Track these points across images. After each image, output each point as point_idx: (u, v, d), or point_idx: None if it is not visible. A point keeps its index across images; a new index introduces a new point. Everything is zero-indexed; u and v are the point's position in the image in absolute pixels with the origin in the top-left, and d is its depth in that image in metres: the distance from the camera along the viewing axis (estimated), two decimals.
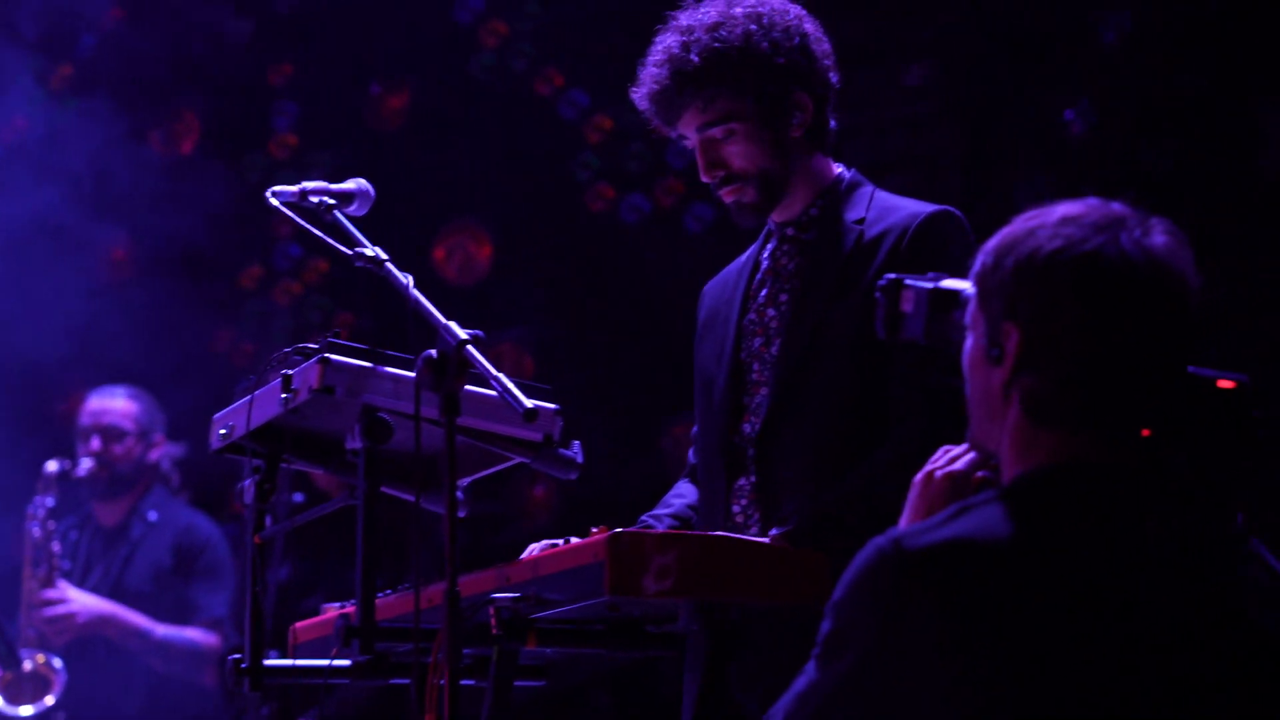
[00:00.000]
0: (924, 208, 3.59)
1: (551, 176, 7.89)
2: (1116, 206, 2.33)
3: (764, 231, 3.80)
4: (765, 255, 3.78)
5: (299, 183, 3.61)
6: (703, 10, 3.66)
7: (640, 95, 3.71)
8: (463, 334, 3.09)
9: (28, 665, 6.36)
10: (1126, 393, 2.28)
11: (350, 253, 3.42)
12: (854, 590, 2.24)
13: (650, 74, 3.67)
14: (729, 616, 3.40)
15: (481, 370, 3.08)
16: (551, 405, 3.35)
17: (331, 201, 3.58)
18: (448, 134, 8.01)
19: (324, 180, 3.64)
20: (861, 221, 3.61)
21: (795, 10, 3.70)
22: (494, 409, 3.29)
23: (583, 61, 7.86)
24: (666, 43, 3.65)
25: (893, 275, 2.56)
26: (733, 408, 3.66)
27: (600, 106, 7.83)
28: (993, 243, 2.36)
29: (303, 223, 3.52)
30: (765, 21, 3.62)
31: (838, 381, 3.53)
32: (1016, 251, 2.30)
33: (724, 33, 3.59)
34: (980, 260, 2.36)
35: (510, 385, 3.08)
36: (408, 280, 3.32)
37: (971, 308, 2.38)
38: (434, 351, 3.09)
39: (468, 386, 3.13)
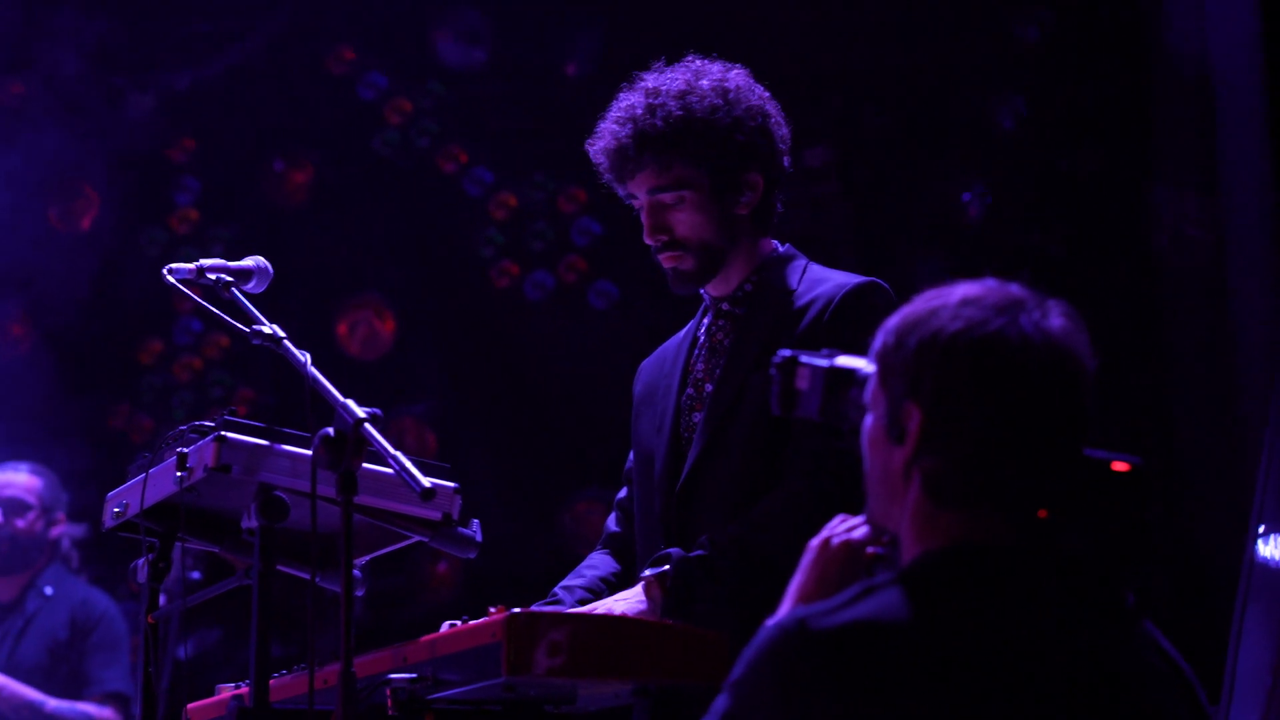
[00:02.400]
0: (851, 279, 3.64)
1: (456, 253, 7.91)
2: (1015, 288, 2.35)
3: (701, 306, 3.83)
4: (702, 330, 3.81)
5: (197, 260, 3.59)
6: (670, 76, 3.71)
7: (596, 149, 3.75)
8: (361, 412, 3.08)
9: None
10: (1025, 474, 2.30)
11: (248, 330, 3.40)
12: (756, 668, 2.24)
13: (610, 129, 3.70)
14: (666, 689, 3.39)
15: (379, 449, 3.06)
16: (450, 484, 3.34)
17: (229, 279, 3.56)
18: (351, 210, 8.00)
19: (225, 257, 3.63)
20: (792, 294, 3.66)
21: (760, 91, 3.74)
22: (392, 487, 3.27)
23: (486, 139, 7.90)
24: (631, 101, 3.69)
25: (787, 352, 2.56)
26: (671, 481, 3.68)
27: (504, 184, 7.86)
28: (893, 321, 2.37)
29: (201, 301, 3.51)
30: (731, 98, 3.67)
31: (753, 446, 3.57)
32: (919, 331, 2.32)
33: (691, 100, 3.64)
34: (881, 339, 2.38)
35: (408, 464, 3.06)
36: (305, 358, 3.30)
37: (872, 386, 2.39)
38: (331, 430, 3.07)
39: (365, 465, 3.12)
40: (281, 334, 3.38)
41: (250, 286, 3.60)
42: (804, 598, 2.44)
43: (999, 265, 2.62)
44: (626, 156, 3.68)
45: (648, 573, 3.44)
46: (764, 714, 2.20)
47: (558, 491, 7.74)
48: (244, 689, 3.33)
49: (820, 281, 3.67)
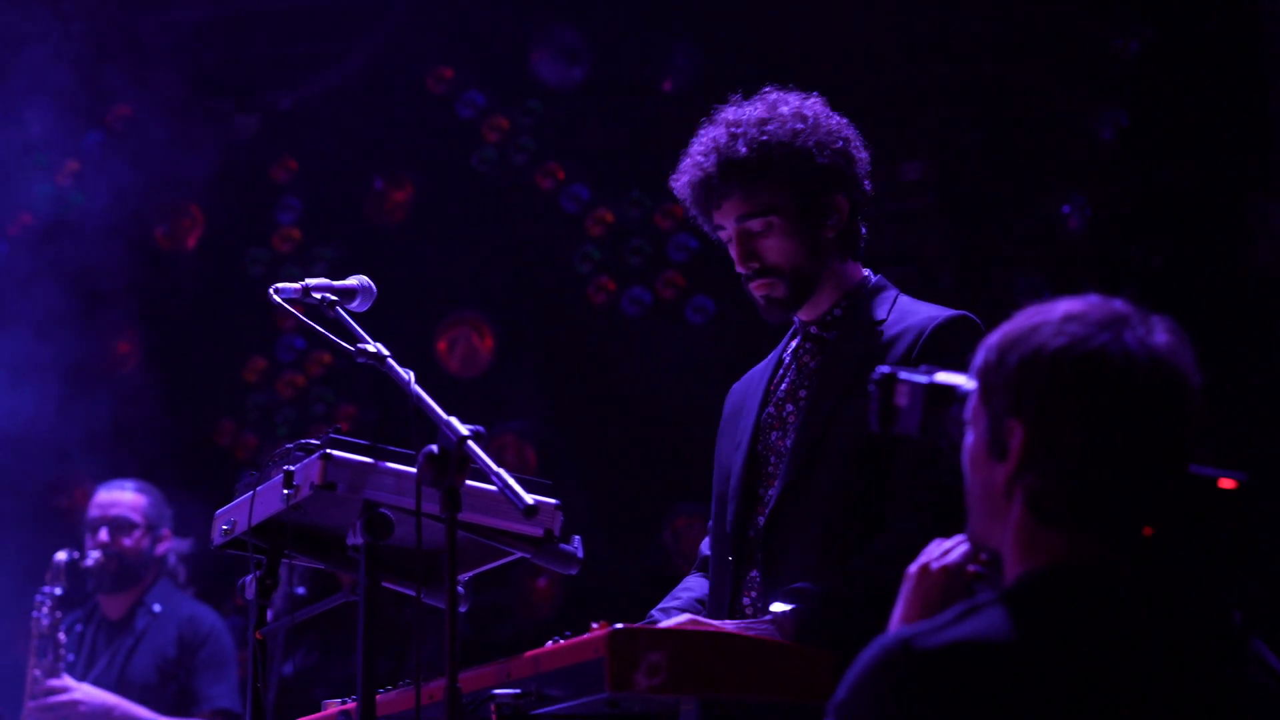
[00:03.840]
0: (942, 312, 3.64)
1: (553, 269, 7.95)
2: (1118, 304, 2.33)
3: (791, 329, 3.84)
4: (788, 352, 3.83)
5: (302, 279, 3.63)
6: (749, 107, 3.74)
7: (681, 183, 3.77)
8: (464, 430, 3.10)
9: None
10: (1129, 492, 2.28)
11: (352, 349, 3.44)
12: (859, 690, 2.23)
13: (694, 162, 3.73)
14: (731, 708, 3.39)
15: (482, 466, 3.09)
16: (552, 500, 3.36)
17: (334, 298, 3.60)
18: (450, 228, 8.06)
19: (327, 275, 3.66)
20: (881, 324, 3.66)
21: (838, 118, 3.77)
22: (495, 504, 3.29)
23: (584, 156, 7.93)
24: (713, 134, 3.72)
25: (886, 369, 2.55)
26: (747, 499, 3.70)
27: (601, 200, 7.89)
28: (995, 338, 2.36)
29: (305, 319, 3.55)
30: (811, 121, 3.70)
31: (845, 478, 3.56)
32: (1021, 348, 2.31)
33: (772, 127, 3.67)
34: (983, 355, 2.36)
35: (511, 481, 3.08)
36: (409, 376, 3.33)
37: (973, 403, 2.38)
38: (435, 447, 3.10)
39: (469, 482, 3.14)
40: (385, 352, 3.42)
41: (354, 305, 3.63)
42: (908, 625, 2.43)
43: (1099, 279, 2.60)
44: (712, 187, 3.70)
45: (780, 608, 3.42)
46: None
47: (656, 507, 7.75)
48: (350, 704, 3.37)
49: (910, 313, 3.67)
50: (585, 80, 7.91)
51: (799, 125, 3.68)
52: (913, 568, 2.53)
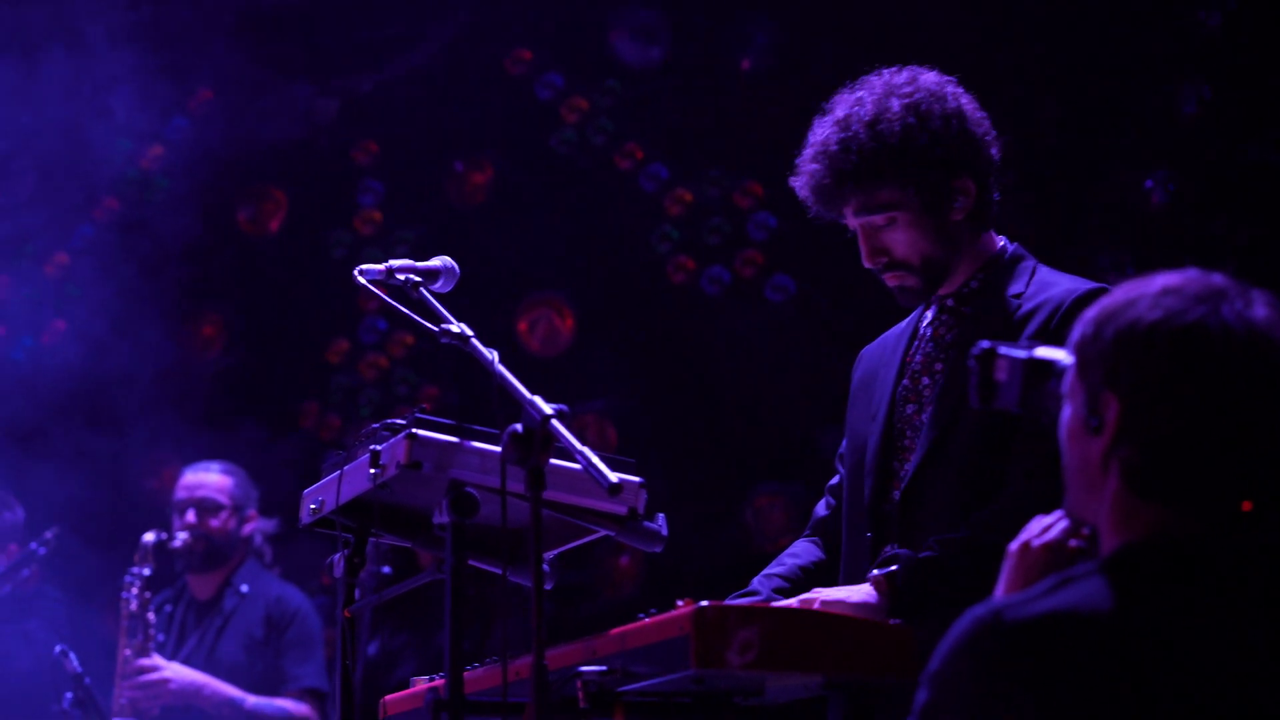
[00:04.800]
0: (1081, 284, 3.59)
1: (632, 249, 7.95)
2: (1217, 278, 2.31)
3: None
4: (924, 324, 3.80)
5: (385, 260, 3.66)
6: (859, 99, 3.67)
7: (799, 185, 3.73)
8: (548, 409, 3.12)
9: None
10: (1227, 465, 2.26)
11: (436, 329, 3.46)
12: (953, 660, 2.23)
13: (810, 169, 3.68)
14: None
15: (566, 445, 3.10)
16: (636, 479, 3.37)
17: (418, 279, 3.62)
18: (529, 209, 8.09)
19: (409, 257, 3.69)
20: (1019, 296, 3.62)
21: (952, 91, 3.69)
22: (579, 483, 3.31)
23: (662, 135, 7.93)
24: (824, 136, 3.67)
25: (986, 344, 2.55)
26: (882, 472, 3.69)
27: (680, 180, 7.89)
28: (1092, 312, 2.35)
29: (390, 300, 3.57)
30: (923, 110, 3.62)
31: (980, 452, 3.54)
32: (1117, 321, 2.30)
33: (882, 129, 3.60)
34: (1079, 329, 2.35)
35: (595, 459, 3.10)
36: (493, 356, 3.35)
37: (1070, 377, 2.37)
38: (519, 426, 3.12)
39: (553, 461, 3.16)
40: (469, 332, 3.43)
41: (438, 286, 3.65)
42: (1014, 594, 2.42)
43: (1182, 255, 2.59)
44: (829, 192, 3.66)
45: (877, 573, 3.43)
46: (962, 705, 2.20)
47: (737, 485, 7.76)
48: (438, 681, 3.40)
49: (1048, 286, 3.62)
50: (663, 60, 7.91)
51: (910, 120, 3.60)
52: (1013, 545, 2.53)
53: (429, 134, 8.18)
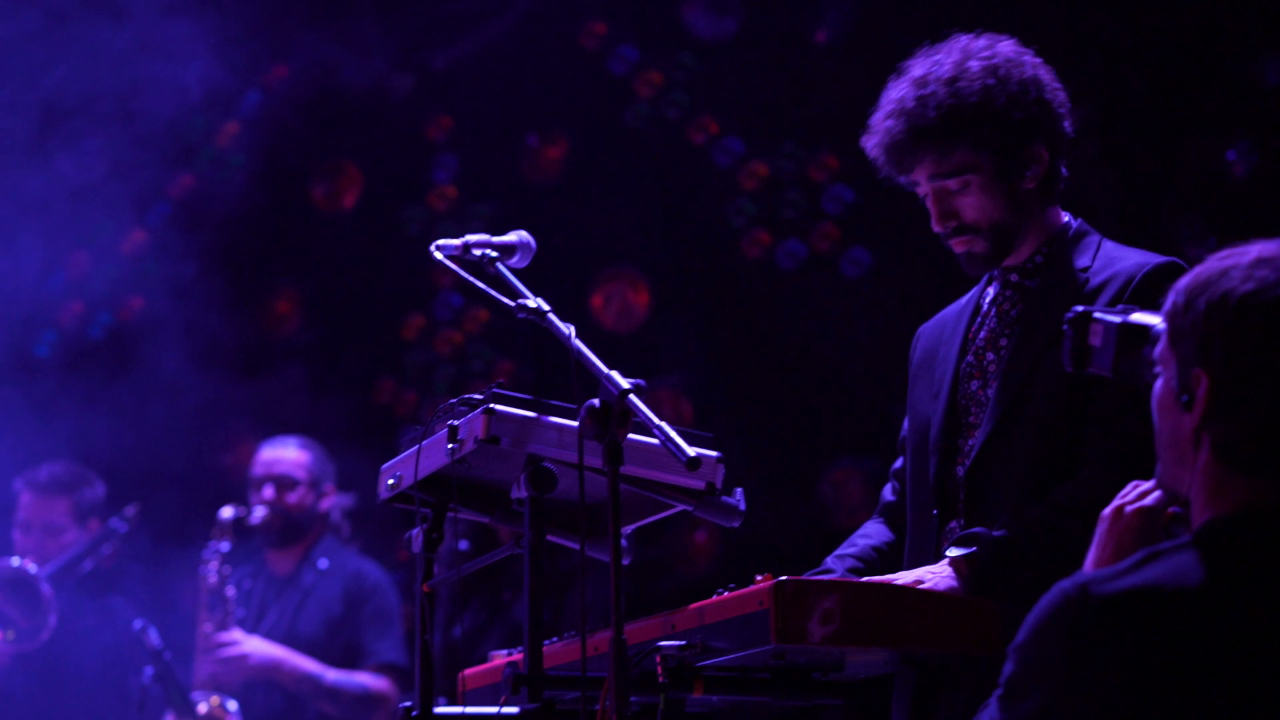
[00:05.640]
0: (1151, 258, 3.55)
1: (707, 224, 7.93)
2: None
3: (986, 276, 3.78)
4: (987, 299, 3.76)
5: (461, 236, 3.65)
6: (936, 60, 3.64)
7: (872, 144, 3.69)
8: (625, 384, 3.11)
9: (202, 708, 6.47)
10: None
11: (513, 304, 3.45)
12: (1039, 633, 2.21)
13: (883, 126, 3.65)
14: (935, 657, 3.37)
15: (644, 419, 3.10)
16: (713, 453, 3.36)
17: (494, 254, 3.61)
18: (603, 183, 8.08)
19: (484, 232, 3.68)
20: (1086, 270, 3.58)
21: (1030, 60, 3.66)
22: (657, 457, 3.30)
23: (737, 109, 7.90)
24: (900, 94, 3.64)
25: (1080, 308, 2.52)
26: (947, 449, 3.66)
27: (755, 153, 7.85)
28: (1184, 281, 2.31)
29: (467, 276, 3.56)
30: (1002, 74, 3.59)
31: (1047, 428, 3.51)
32: (1209, 292, 2.26)
33: (961, 85, 3.57)
34: (1171, 299, 2.32)
35: (673, 434, 3.09)
36: (570, 331, 3.34)
37: (1162, 346, 2.34)
38: (597, 401, 3.11)
39: (631, 435, 3.15)
40: (546, 307, 3.42)
41: (514, 261, 3.64)
42: (1100, 567, 2.40)
43: (1266, 225, 2.54)
44: (903, 151, 3.62)
45: (955, 552, 3.40)
46: (1047, 678, 2.19)
47: (813, 460, 7.73)
48: (516, 655, 3.40)
49: (1116, 259, 3.58)
50: (737, 33, 7.87)
51: (990, 81, 3.57)
52: (1107, 510, 2.50)
53: (503, 109, 8.19)
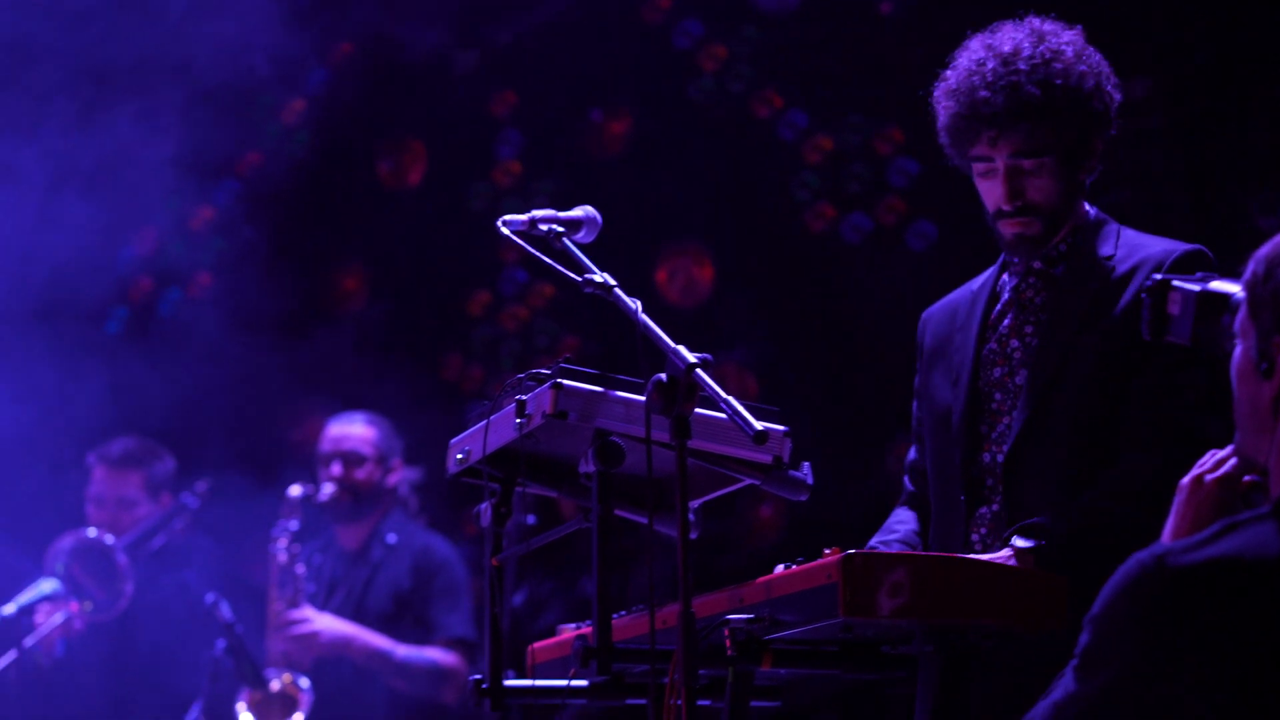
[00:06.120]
0: (1177, 245, 3.61)
1: (771, 198, 7.91)
2: None
3: (1000, 260, 3.81)
4: (1004, 286, 3.78)
5: (527, 211, 3.66)
6: (1024, 37, 3.67)
7: (951, 110, 3.71)
8: (691, 358, 3.12)
9: (275, 685, 6.53)
10: None
11: (579, 279, 3.46)
12: (1115, 604, 2.21)
13: (978, 96, 3.66)
14: (963, 639, 3.39)
15: (711, 393, 3.11)
16: (781, 427, 3.36)
17: (560, 229, 3.63)
18: (668, 158, 8.07)
19: (548, 208, 3.69)
20: (1111, 259, 3.64)
21: (1099, 54, 3.72)
22: (724, 431, 3.31)
23: (801, 82, 7.87)
24: (992, 66, 3.65)
25: (1160, 276, 2.53)
26: (970, 436, 3.67)
27: (819, 127, 7.83)
28: (1265, 250, 2.30)
29: (533, 251, 3.58)
30: (1090, 62, 3.67)
31: (1083, 412, 3.55)
32: None
33: (1059, 67, 3.63)
34: (1251, 268, 2.31)
35: (740, 408, 3.10)
36: (636, 305, 3.35)
37: (1241, 315, 2.33)
38: (664, 375, 3.12)
39: (697, 410, 3.16)
40: (612, 282, 3.43)
41: (580, 236, 3.65)
42: (1180, 538, 2.40)
43: None
44: (997, 122, 3.64)
45: (1021, 544, 3.40)
46: (1123, 649, 2.18)
47: (878, 434, 7.71)
48: (585, 629, 3.42)
49: (1140, 247, 3.65)
50: (802, 5, 7.84)
51: (1083, 68, 3.64)
52: (1185, 480, 2.50)
53: (567, 84, 8.19)
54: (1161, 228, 3.84)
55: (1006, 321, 3.74)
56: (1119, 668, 2.18)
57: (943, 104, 3.72)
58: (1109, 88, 3.68)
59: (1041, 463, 3.57)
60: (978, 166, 3.72)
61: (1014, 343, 3.71)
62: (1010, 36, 3.68)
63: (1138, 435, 3.49)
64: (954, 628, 3.18)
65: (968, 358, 3.74)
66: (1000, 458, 3.62)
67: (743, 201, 8.00)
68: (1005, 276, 3.80)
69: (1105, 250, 3.66)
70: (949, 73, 3.72)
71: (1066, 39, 3.68)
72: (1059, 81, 3.61)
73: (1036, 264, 3.73)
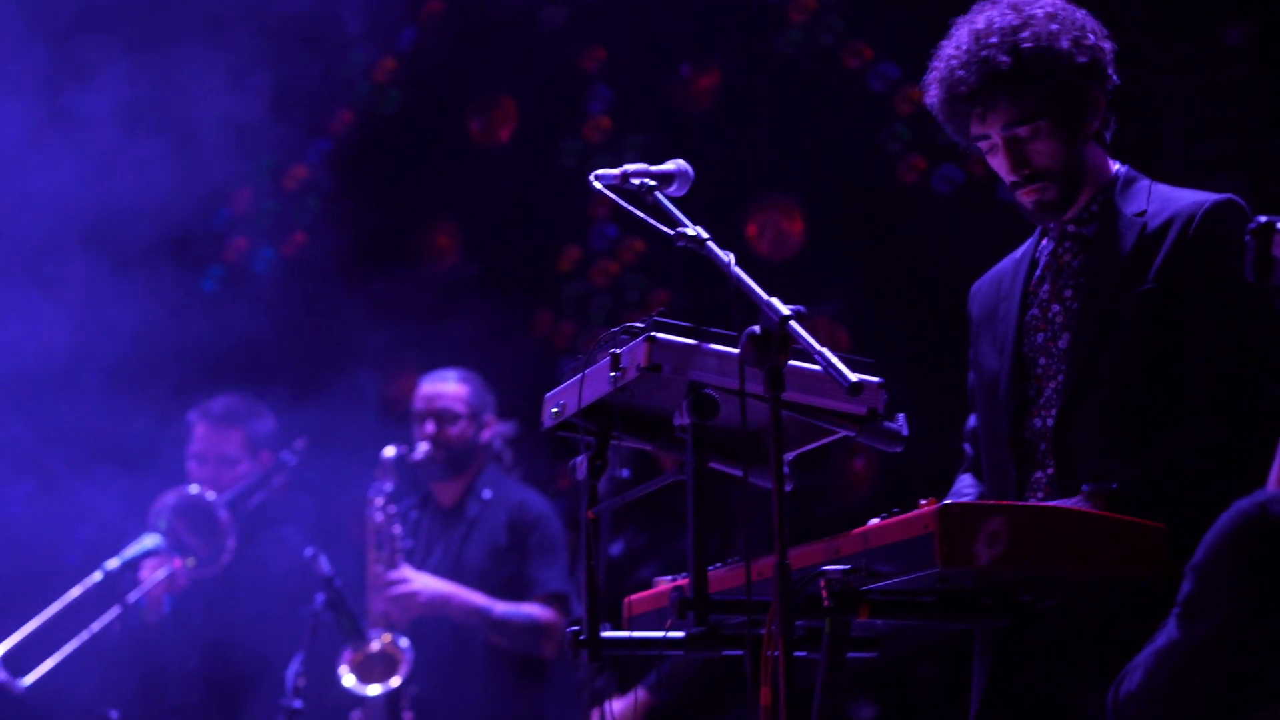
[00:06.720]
0: (1210, 196, 3.60)
1: (862, 150, 7.88)
2: None
3: (1038, 229, 3.80)
4: (1042, 252, 3.80)
5: (618, 166, 3.67)
6: (997, 12, 3.69)
7: (934, 96, 3.76)
8: (785, 310, 3.13)
9: (375, 645, 6.60)
10: None
11: (672, 233, 3.47)
12: (1217, 553, 2.21)
13: (950, 76, 3.70)
14: (1052, 589, 3.38)
15: (805, 345, 3.11)
16: (875, 379, 3.35)
17: (652, 183, 3.63)
18: (757, 111, 8.05)
19: (640, 162, 3.70)
20: (1143, 214, 3.63)
21: (1080, 10, 3.73)
22: (818, 383, 3.31)
23: (891, 33, 7.82)
24: (966, 46, 3.68)
25: (1264, 218, 2.52)
26: (1018, 402, 3.69)
27: (910, 78, 7.77)
28: None
29: (626, 205, 3.59)
30: (1064, 20, 3.67)
31: (1129, 371, 3.55)
32: None
33: (1030, 32, 3.63)
34: None
35: (834, 359, 3.10)
36: (729, 258, 3.35)
37: None
38: (757, 328, 3.13)
39: (791, 362, 3.17)
40: (705, 236, 3.44)
41: (672, 190, 3.66)
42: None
43: None
44: (976, 98, 3.66)
45: (1093, 488, 3.40)
46: (1225, 597, 2.18)
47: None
48: (681, 581, 3.44)
49: (1172, 200, 3.63)
50: None
51: (1054, 27, 3.64)
52: None
53: (656, 39, 8.17)
54: (1255, 179, 3.82)
55: (1046, 287, 3.75)
56: (1221, 615, 2.17)
57: (930, 94, 3.74)
58: (1092, 40, 3.67)
59: (1091, 425, 3.57)
60: (981, 145, 3.75)
61: (1055, 307, 3.72)
62: (985, 15, 3.70)
63: (1201, 393, 3.48)
64: (1051, 577, 3.17)
65: (1011, 325, 3.76)
66: (1050, 422, 3.63)
67: (833, 154, 7.97)
68: (1044, 242, 3.81)
69: (1137, 206, 3.65)
70: (934, 63, 3.74)
71: (1042, 2, 3.68)
72: (1028, 45, 3.61)
73: (1070, 227, 3.73)
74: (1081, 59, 3.64)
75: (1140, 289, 3.56)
